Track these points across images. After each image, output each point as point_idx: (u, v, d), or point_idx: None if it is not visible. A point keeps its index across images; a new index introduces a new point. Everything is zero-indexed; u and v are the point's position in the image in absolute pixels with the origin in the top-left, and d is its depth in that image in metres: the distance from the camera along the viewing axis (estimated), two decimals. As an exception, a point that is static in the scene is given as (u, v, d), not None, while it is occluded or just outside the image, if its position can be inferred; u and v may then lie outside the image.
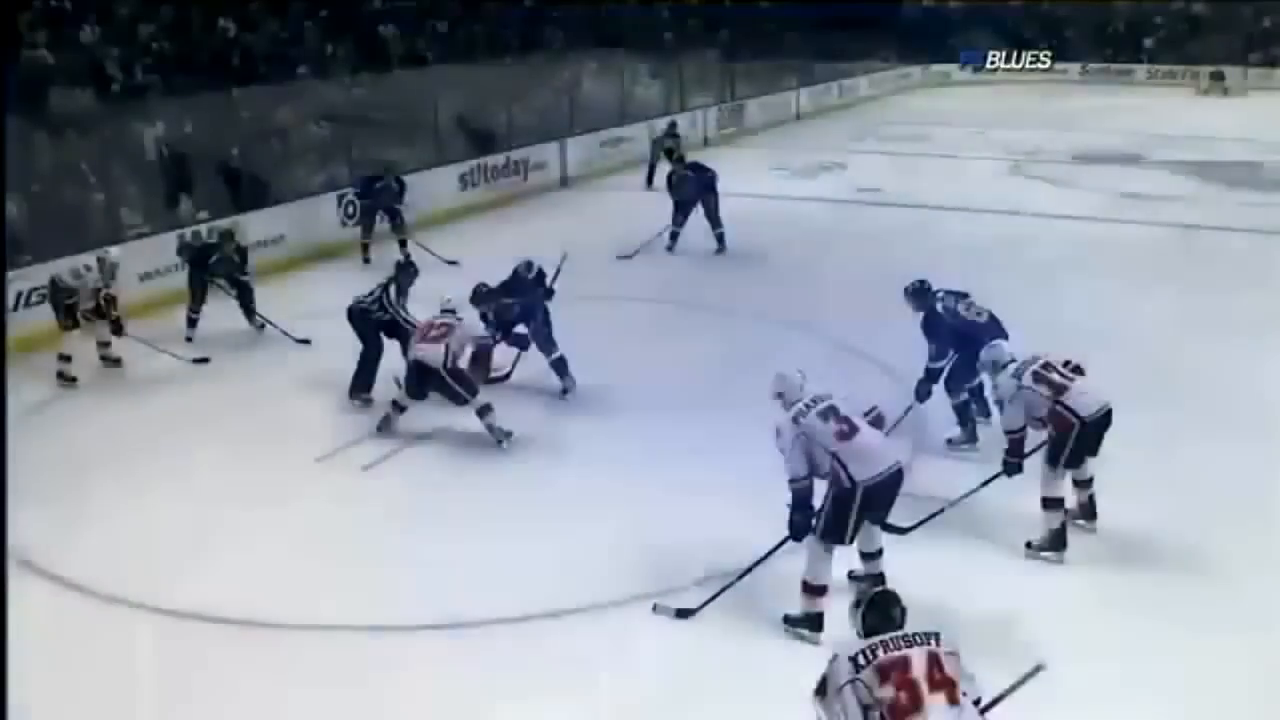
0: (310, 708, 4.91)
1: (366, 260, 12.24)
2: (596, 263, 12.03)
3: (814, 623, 5.17)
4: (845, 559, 5.38)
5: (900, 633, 3.56)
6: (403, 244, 12.31)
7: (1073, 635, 5.12)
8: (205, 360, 9.16)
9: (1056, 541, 5.90)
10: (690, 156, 13.80)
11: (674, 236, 12.63)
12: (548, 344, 8.34)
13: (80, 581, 5.84)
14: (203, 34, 14.76)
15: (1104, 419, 5.87)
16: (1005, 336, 6.72)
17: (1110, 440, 5.94)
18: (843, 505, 5.11)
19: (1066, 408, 5.80)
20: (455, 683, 5.04)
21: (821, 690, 3.52)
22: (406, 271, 8.59)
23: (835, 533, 5.16)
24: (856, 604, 3.74)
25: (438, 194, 14.49)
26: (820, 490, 5.25)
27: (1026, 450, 5.99)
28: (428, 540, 6.30)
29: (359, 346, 8.27)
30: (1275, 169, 17.39)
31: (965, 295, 7.33)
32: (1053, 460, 5.91)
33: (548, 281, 8.45)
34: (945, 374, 7.18)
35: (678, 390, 8.32)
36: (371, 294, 8.32)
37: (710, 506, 6.43)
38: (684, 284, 11.44)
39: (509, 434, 7.58)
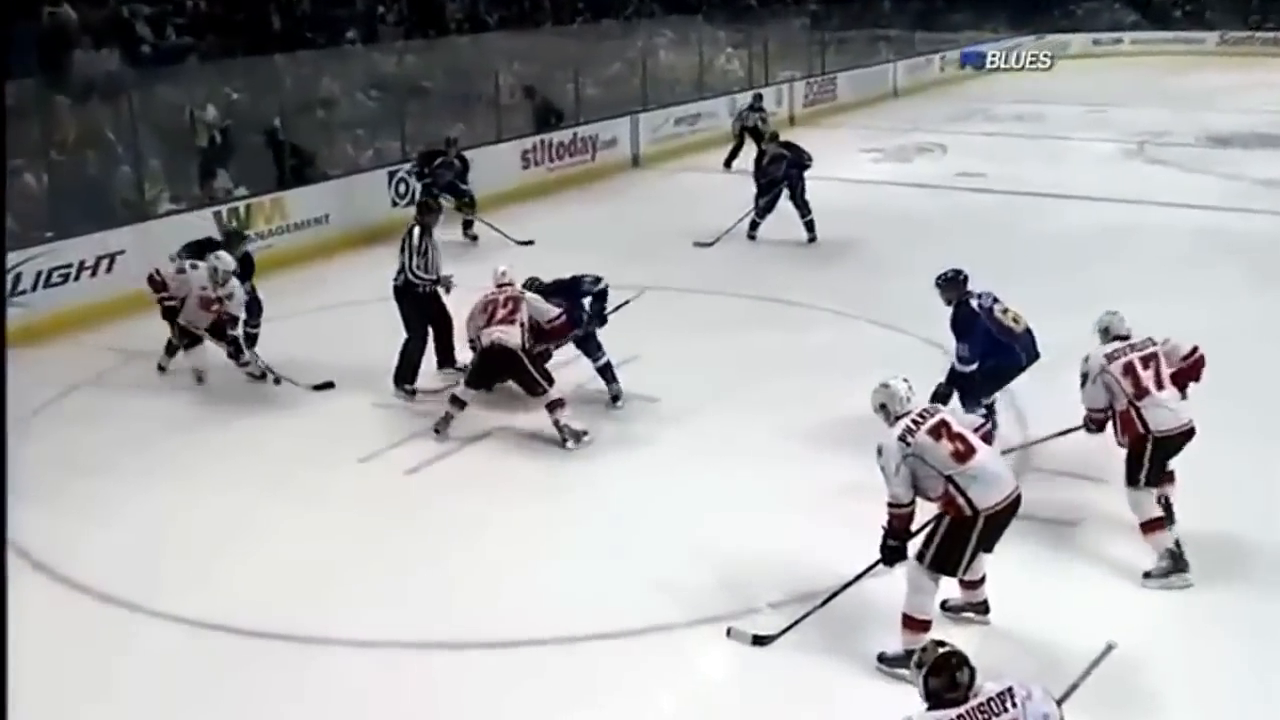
0: None
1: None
2: (669, 251, 11.93)
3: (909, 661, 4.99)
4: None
5: (978, 704, 3.55)
6: (468, 224, 12.46)
7: (1156, 651, 5.15)
8: (329, 386, 8.53)
9: (1176, 563, 5.69)
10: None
11: (754, 225, 12.47)
12: (594, 349, 8.20)
13: (100, 587, 5.87)
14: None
15: (1175, 438, 5.79)
16: (1037, 356, 6.88)
17: (1214, 451, 5.91)
18: (960, 535, 5.01)
19: (1138, 414, 5.77)
20: (503, 708, 5.00)
21: None
22: (430, 210, 8.61)
23: (948, 565, 5.08)
24: (919, 665, 3.71)
25: (497, 173, 14.46)
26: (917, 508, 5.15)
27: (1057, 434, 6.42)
28: (474, 552, 6.29)
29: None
30: None
31: (1006, 308, 7.13)
32: (1131, 480, 5.79)
33: (607, 307, 8.23)
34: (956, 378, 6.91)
35: (751, 394, 8.21)
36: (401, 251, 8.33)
37: (784, 520, 6.37)
38: (764, 276, 11.29)
39: (582, 434, 7.59)
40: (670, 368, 8.47)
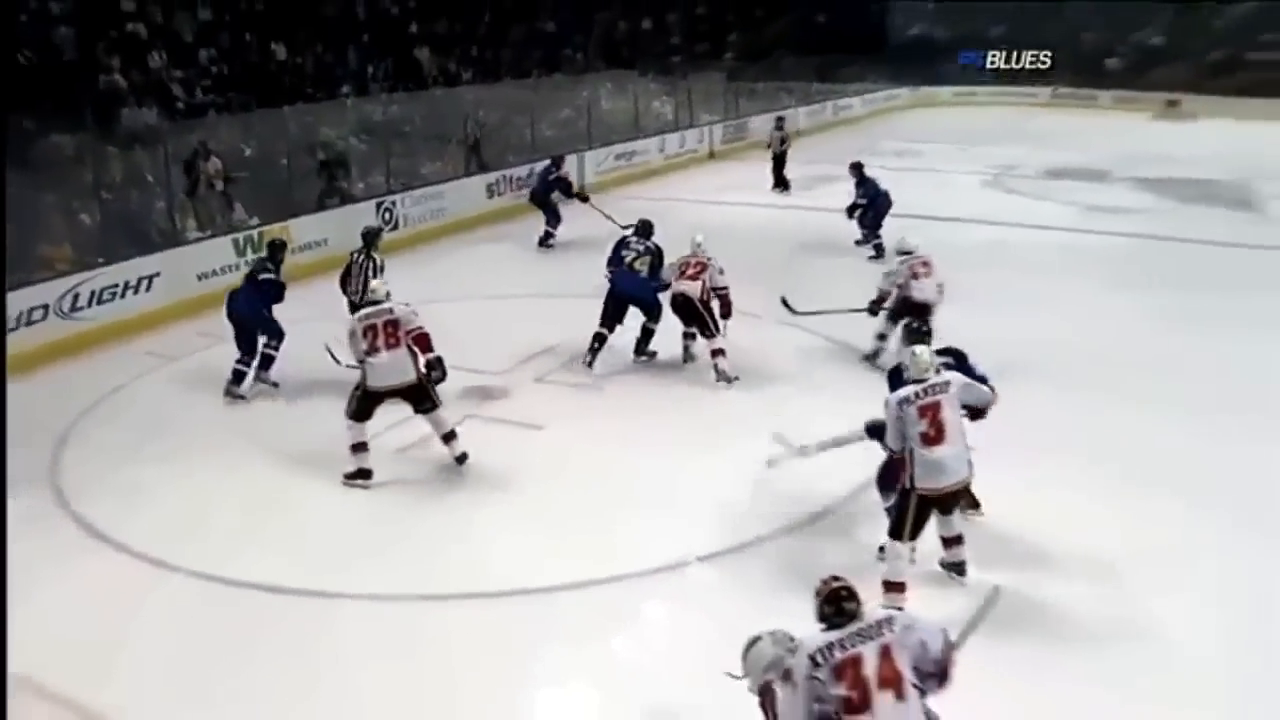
0: (372, 674, 4.89)
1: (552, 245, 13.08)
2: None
3: None
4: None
5: (857, 628, 3.53)
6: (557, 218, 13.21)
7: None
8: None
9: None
10: (695, 170, 13.12)
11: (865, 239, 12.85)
12: (659, 315, 8.62)
13: (150, 552, 5.92)
14: (256, 57, 14.85)
15: (920, 307, 8.02)
16: None
17: (1081, 420, 7.14)
18: (902, 504, 5.16)
19: (910, 290, 8.33)
20: (504, 650, 5.03)
21: (785, 676, 3.53)
22: (376, 236, 8.57)
23: (896, 531, 5.15)
24: (817, 594, 3.66)
25: (467, 201, 14.57)
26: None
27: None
28: (462, 515, 6.37)
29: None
30: (1224, 186, 17.15)
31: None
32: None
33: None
34: (882, 466, 5.75)
35: (683, 388, 8.43)
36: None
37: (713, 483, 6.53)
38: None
39: (734, 378, 8.17)
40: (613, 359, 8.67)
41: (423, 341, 6.67)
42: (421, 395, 6.72)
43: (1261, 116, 25.35)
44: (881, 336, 8.61)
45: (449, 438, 6.85)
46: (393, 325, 6.61)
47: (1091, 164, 19.63)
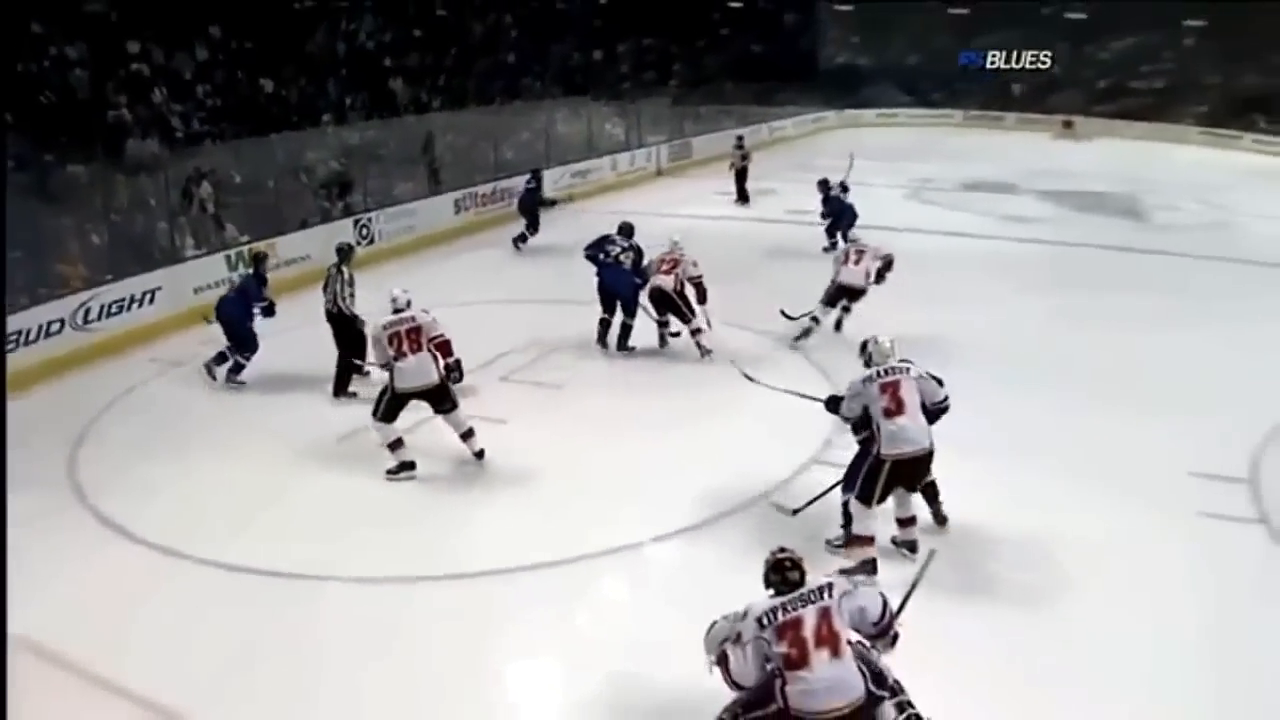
0: (357, 650, 4.92)
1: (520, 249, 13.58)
2: (572, 266, 11.44)
3: (870, 567, 5.13)
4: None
5: (799, 593, 3.62)
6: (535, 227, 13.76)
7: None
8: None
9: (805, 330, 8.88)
10: (645, 186, 13.40)
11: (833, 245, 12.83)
12: (635, 311, 8.96)
13: (156, 541, 5.95)
14: (247, 91, 14.90)
15: (854, 290, 8.81)
16: None
17: (1000, 408, 7.16)
18: (872, 472, 5.19)
19: (838, 276, 8.90)
20: (482, 631, 5.07)
21: (736, 639, 3.65)
22: (352, 252, 8.50)
23: (865, 495, 5.20)
24: (766, 562, 3.76)
25: (436, 218, 14.66)
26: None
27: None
28: (442, 505, 6.39)
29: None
30: (1113, 198, 17.66)
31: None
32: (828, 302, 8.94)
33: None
34: (849, 468, 5.66)
35: (650, 378, 8.59)
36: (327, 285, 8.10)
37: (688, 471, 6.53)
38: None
39: (709, 351, 8.55)
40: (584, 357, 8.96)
41: (444, 347, 6.69)
42: (443, 396, 6.68)
43: (1142, 137, 26.55)
44: (814, 319, 8.98)
45: (467, 435, 6.80)
46: (415, 332, 6.61)
47: (1000, 178, 19.88)
